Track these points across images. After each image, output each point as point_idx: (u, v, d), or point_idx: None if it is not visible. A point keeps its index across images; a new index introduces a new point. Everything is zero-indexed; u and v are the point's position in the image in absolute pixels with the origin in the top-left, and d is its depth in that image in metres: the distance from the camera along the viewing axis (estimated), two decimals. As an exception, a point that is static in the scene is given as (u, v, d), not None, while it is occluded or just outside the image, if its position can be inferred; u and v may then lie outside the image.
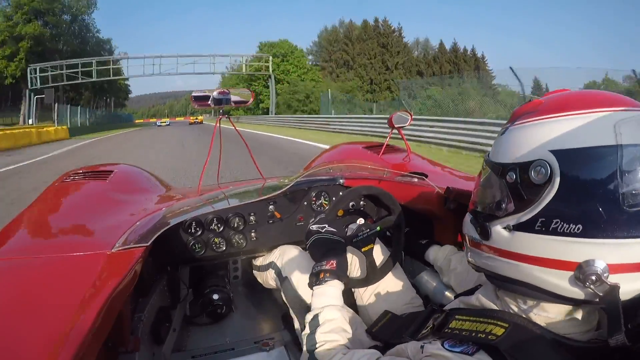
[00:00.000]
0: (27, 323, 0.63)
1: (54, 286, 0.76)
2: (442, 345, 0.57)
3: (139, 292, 1.07)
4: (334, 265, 0.79)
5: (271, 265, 1.15)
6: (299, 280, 1.03)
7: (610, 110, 0.50)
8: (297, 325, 1.00)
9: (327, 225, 0.87)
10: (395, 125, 1.66)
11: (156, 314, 1.09)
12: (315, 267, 0.81)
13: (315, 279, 0.80)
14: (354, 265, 1.06)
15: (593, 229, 0.47)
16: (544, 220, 0.50)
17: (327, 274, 0.78)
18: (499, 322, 0.54)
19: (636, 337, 0.45)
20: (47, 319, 0.64)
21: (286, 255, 1.12)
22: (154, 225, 1.00)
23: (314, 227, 0.88)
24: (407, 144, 1.76)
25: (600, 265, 0.47)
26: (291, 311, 1.02)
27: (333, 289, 0.78)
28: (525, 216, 0.51)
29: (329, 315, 0.73)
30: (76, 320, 0.62)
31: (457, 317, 0.62)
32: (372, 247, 0.99)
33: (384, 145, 1.80)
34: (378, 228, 1.00)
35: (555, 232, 0.49)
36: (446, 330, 0.61)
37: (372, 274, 1.01)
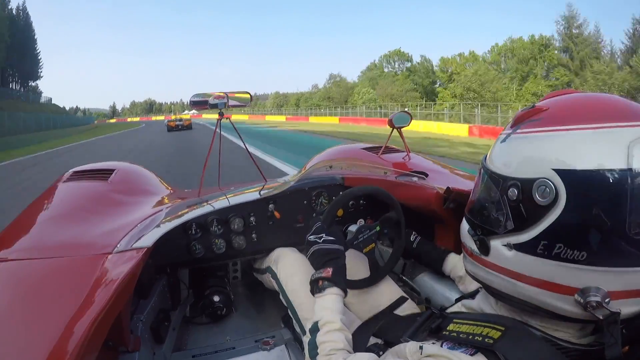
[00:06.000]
0: (28, 323, 0.64)
1: (54, 287, 0.76)
2: (441, 346, 0.57)
3: (139, 294, 1.07)
4: (330, 273, 0.80)
5: (268, 269, 1.16)
6: (295, 285, 1.03)
7: (624, 126, 0.45)
8: (297, 328, 1.01)
9: (324, 235, 0.86)
10: (396, 126, 1.66)
11: (156, 314, 1.09)
12: (313, 275, 0.83)
13: (315, 288, 0.81)
14: (358, 267, 1.06)
15: (598, 256, 0.45)
16: (547, 243, 0.47)
17: (325, 282, 0.79)
18: (496, 326, 0.54)
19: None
20: (48, 320, 0.65)
21: (281, 259, 1.12)
22: (154, 227, 1.01)
23: (312, 238, 0.87)
24: (406, 144, 1.76)
25: (601, 292, 0.45)
26: (290, 313, 1.03)
27: (332, 296, 0.79)
28: (526, 236, 0.49)
29: (328, 322, 0.74)
30: (77, 320, 0.62)
31: (455, 320, 0.62)
32: (374, 247, 1.00)
33: (384, 145, 1.80)
34: (377, 228, 1.01)
35: (558, 258, 0.47)
36: (444, 332, 0.61)
37: (376, 273, 1.02)
